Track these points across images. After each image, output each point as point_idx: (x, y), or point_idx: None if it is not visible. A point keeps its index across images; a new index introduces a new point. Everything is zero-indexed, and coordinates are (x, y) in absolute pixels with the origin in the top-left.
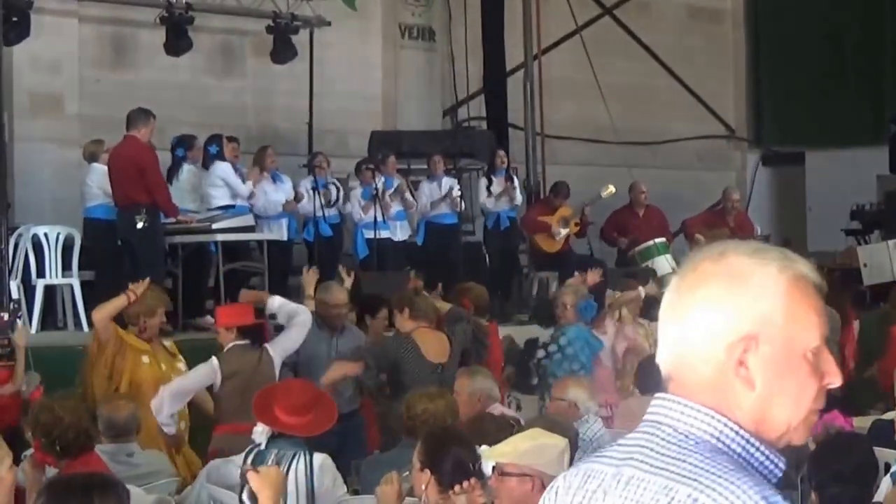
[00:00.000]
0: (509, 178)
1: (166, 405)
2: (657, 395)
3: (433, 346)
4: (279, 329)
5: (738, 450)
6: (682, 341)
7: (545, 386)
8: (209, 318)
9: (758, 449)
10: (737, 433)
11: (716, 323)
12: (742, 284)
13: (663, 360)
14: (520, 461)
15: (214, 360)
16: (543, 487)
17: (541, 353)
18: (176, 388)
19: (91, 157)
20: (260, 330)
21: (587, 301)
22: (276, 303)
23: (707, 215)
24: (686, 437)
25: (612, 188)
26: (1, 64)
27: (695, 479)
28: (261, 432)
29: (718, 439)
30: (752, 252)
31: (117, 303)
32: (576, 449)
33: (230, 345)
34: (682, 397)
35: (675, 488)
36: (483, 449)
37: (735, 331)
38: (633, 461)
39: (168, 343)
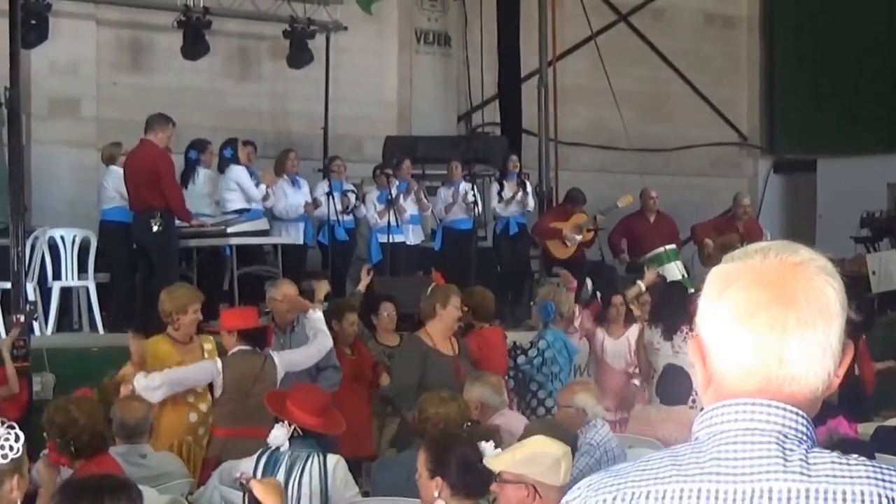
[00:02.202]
0: (521, 184)
1: (162, 390)
2: (738, 400)
3: (444, 340)
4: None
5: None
6: (811, 355)
7: (525, 390)
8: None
9: None
10: (815, 433)
11: (839, 332)
12: (843, 293)
13: (768, 370)
14: (513, 469)
15: (218, 360)
16: (538, 495)
17: (521, 359)
18: (176, 377)
19: (109, 160)
20: (262, 334)
21: (545, 302)
22: (314, 316)
23: (717, 221)
24: (800, 442)
25: (629, 198)
26: (19, 67)
27: (868, 477)
28: (280, 435)
29: (811, 440)
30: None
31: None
32: (574, 452)
33: (234, 349)
34: (773, 399)
35: (858, 490)
36: (487, 456)
37: (841, 340)
38: (775, 472)
39: (209, 346)
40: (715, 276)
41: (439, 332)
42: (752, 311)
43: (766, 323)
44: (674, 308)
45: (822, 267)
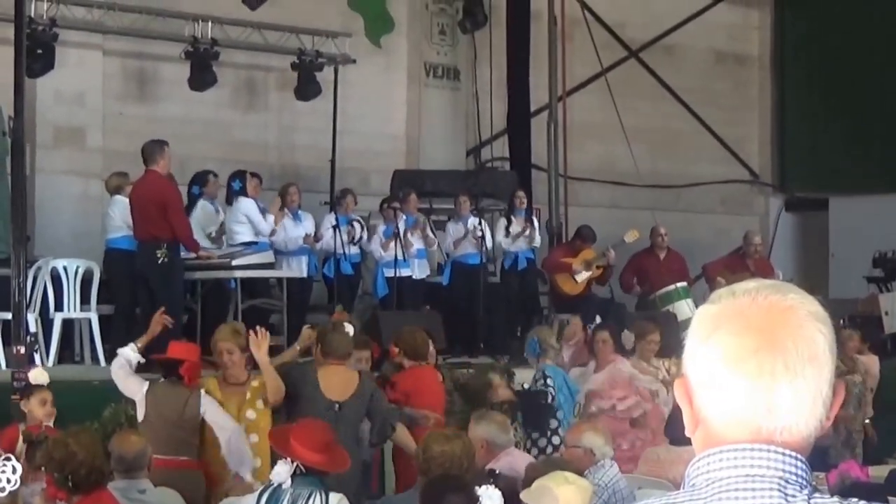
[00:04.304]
0: (529, 220)
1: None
2: (736, 446)
3: (336, 382)
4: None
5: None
6: (800, 402)
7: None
8: None
9: None
10: (813, 484)
11: (829, 378)
12: (833, 338)
13: (760, 417)
14: (525, 497)
15: (146, 385)
16: None
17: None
18: (115, 373)
19: (115, 190)
20: (173, 365)
21: (530, 339)
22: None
23: (728, 259)
24: (801, 487)
25: (636, 233)
26: (24, 96)
27: None
28: (282, 472)
29: (810, 484)
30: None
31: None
32: None
33: (160, 379)
34: (770, 444)
35: None
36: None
37: (832, 385)
38: None
39: (255, 383)
40: (702, 318)
41: None
42: (740, 358)
43: (755, 370)
44: None
45: (812, 312)
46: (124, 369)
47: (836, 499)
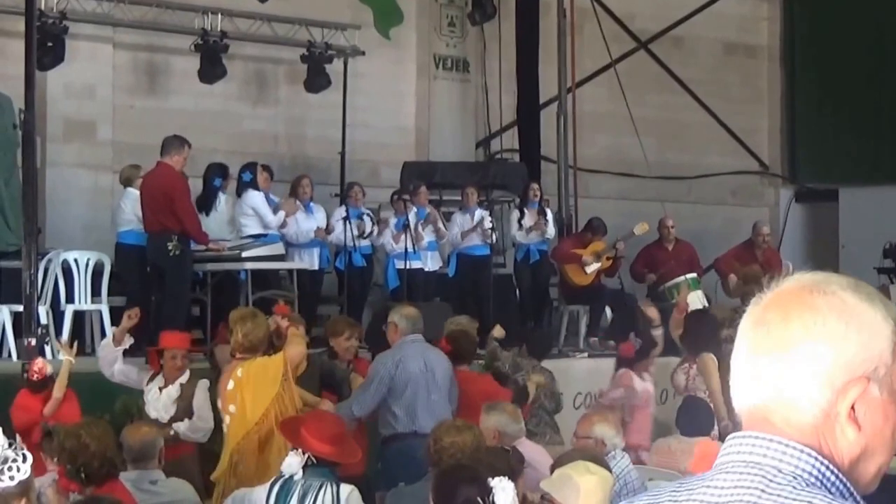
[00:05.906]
0: (542, 211)
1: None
2: (746, 433)
3: None
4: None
5: (840, 495)
6: (784, 378)
7: None
8: None
9: (853, 495)
10: (837, 478)
11: (829, 362)
12: (859, 323)
13: (754, 395)
14: (545, 486)
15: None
16: None
17: None
18: None
19: (127, 182)
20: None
21: None
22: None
23: (736, 250)
24: (794, 477)
25: (645, 225)
26: (34, 89)
27: None
28: (294, 463)
29: (822, 483)
30: (857, 288)
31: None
32: None
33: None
34: (777, 435)
35: None
36: (497, 494)
37: (849, 371)
38: (747, 502)
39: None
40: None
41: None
42: (741, 334)
43: (752, 345)
44: (695, 337)
45: (835, 299)
46: None
47: (827, 495)
